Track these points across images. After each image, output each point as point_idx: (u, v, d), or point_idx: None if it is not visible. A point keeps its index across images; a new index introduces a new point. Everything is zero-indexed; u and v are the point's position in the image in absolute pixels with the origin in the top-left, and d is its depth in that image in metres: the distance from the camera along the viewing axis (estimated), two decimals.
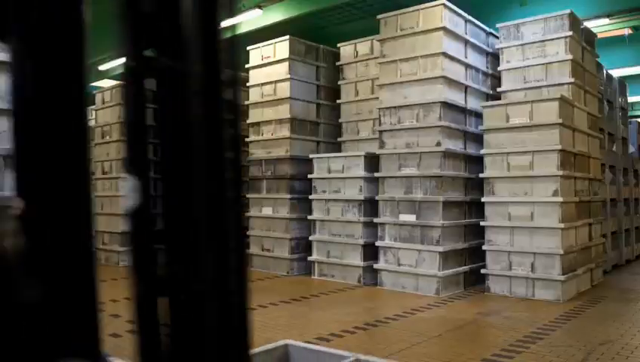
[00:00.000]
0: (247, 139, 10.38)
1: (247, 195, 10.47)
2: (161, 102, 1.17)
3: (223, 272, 1.15)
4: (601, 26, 10.93)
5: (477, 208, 8.13)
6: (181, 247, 1.13)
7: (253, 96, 10.16)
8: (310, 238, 8.97)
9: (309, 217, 9.00)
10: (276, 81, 9.56)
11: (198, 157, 1.14)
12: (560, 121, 7.06)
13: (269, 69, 9.68)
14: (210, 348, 1.13)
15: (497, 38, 8.63)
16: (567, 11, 7.92)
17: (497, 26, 8.57)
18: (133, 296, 1.16)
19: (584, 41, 8.50)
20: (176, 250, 1.13)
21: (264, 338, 5.15)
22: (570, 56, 7.81)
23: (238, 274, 1.19)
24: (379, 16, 8.36)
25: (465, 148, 8.13)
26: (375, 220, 8.12)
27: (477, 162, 8.18)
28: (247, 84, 10.37)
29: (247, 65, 10.21)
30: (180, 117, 1.15)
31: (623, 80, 12.38)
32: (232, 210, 1.23)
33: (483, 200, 7.59)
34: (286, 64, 9.47)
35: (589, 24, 9.75)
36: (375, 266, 8.05)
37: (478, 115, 8.34)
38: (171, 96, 1.16)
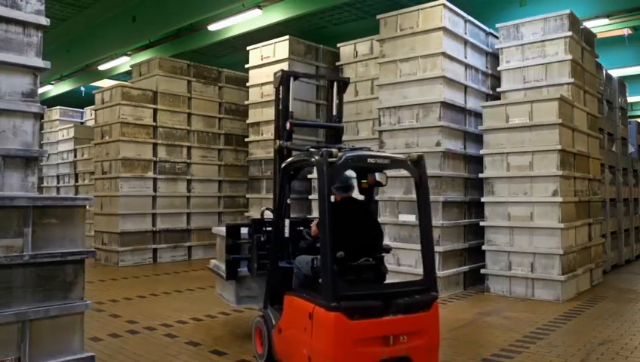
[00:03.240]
0: (247, 139, 10.39)
1: (247, 195, 10.48)
2: None
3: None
4: (600, 26, 10.92)
5: (477, 208, 8.13)
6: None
7: (253, 96, 10.17)
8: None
9: (309, 217, 8.99)
10: None
11: None
12: (559, 121, 7.06)
13: (269, 68, 9.66)
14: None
15: (497, 38, 8.63)
16: (567, 11, 7.92)
17: (497, 26, 8.57)
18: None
19: (584, 41, 8.50)
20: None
21: None
22: (569, 56, 7.81)
23: None
24: (379, 16, 8.36)
25: (465, 148, 8.13)
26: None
27: (477, 162, 8.18)
28: (247, 84, 10.39)
29: (247, 65, 10.22)
30: None
31: (622, 80, 12.39)
32: None
33: (483, 200, 7.59)
34: (286, 64, 9.47)
35: (588, 24, 9.74)
36: None
37: (478, 115, 8.34)
38: None
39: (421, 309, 3.66)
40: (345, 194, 4.16)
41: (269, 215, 4.88)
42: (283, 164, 4.42)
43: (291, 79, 5.08)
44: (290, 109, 4.99)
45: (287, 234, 4.47)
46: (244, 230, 5.04)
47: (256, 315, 4.65)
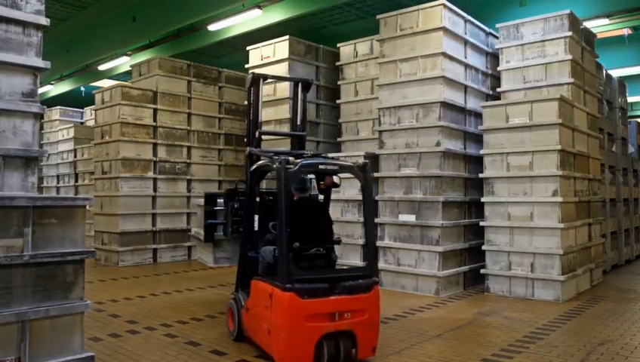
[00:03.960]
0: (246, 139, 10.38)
1: None
2: None
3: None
4: (600, 26, 10.93)
5: (477, 208, 8.13)
6: None
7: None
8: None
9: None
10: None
11: None
12: (559, 121, 7.06)
13: (269, 68, 9.67)
14: None
15: (497, 38, 8.63)
16: (567, 11, 7.92)
17: (497, 26, 8.56)
18: None
19: (584, 41, 8.50)
20: None
21: None
22: (569, 57, 7.81)
23: None
24: (378, 16, 8.36)
25: (464, 148, 8.13)
26: (375, 220, 8.12)
27: (477, 162, 8.18)
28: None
29: (247, 65, 10.22)
30: None
31: (622, 80, 12.39)
32: None
33: (483, 200, 7.59)
34: (286, 64, 9.48)
35: (588, 24, 9.74)
36: None
37: (478, 115, 8.34)
38: None
39: (362, 291, 4.34)
40: (302, 194, 4.78)
41: (241, 186, 5.51)
42: (251, 168, 5.11)
43: (261, 81, 5.47)
44: (260, 113, 5.47)
45: (256, 228, 5.03)
46: (220, 199, 5.61)
47: (229, 298, 5.29)
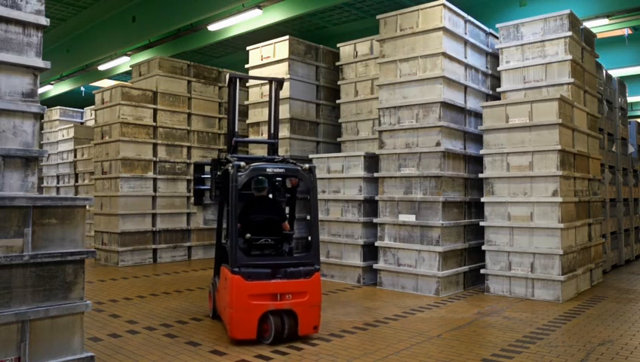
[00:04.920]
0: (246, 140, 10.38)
1: None
2: None
3: None
4: (600, 26, 10.93)
5: (477, 208, 8.14)
6: None
7: (253, 96, 10.17)
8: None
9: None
10: None
11: None
12: (559, 121, 7.06)
13: (269, 68, 9.67)
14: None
15: (497, 38, 8.63)
16: (567, 11, 7.92)
17: (497, 26, 8.56)
18: None
19: (584, 41, 8.50)
20: None
21: None
22: (569, 57, 7.81)
23: None
24: (378, 16, 8.36)
25: (464, 148, 8.13)
26: (375, 220, 8.12)
27: (477, 162, 8.19)
28: (247, 84, 10.39)
29: (246, 66, 10.22)
30: None
31: (622, 80, 12.39)
32: None
33: (483, 200, 7.59)
34: (286, 64, 9.48)
35: (588, 24, 9.75)
36: (375, 266, 8.05)
37: (478, 115, 8.34)
38: None
39: (303, 277, 5.07)
40: (259, 193, 5.63)
41: (223, 155, 6.42)
42: (219, 173, 5.86)
43: (237, 81, 5.99)
44: (236, 119, 6.00)
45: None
46: (207, 168, 6.28)
47: (210, 283, 6.03)
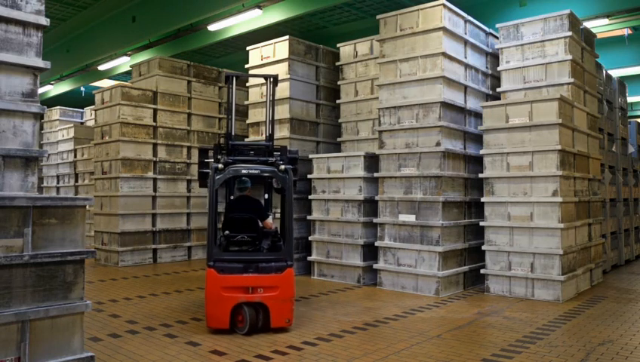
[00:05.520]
0: (246, 140, 10.39)
1: None
2: None
3: None
4: (600, 26, 10.93)
5: (477, 208, 8.14)
6: None
7: (253, 96, 10.17)
8: (310, 238, 8.97)
9: (309, 217, 9.00)
10: None
11: None
12: (559, 121, 7.06)
13: (269, 69, 9.67)
14: None
15: (497, 38, 8.63)
16: (567, 11, 7.92)
17: (497, 26, 8.56)
18: None
19: (584, 41, 8.50)
20: None
21: (263, 339, 5.16)
22: (569, 57, 7.81)
23: None
24: (378, 16, 8.36)
25: (464, 148, 8.13)
26: (375, 220, 8.12)
27: (477, 162, 8.19)
28: (247, 84, 10.39)
29: (246, 66, 10.21)
30: None
31: (622, 80, 12.39)
32: None
33: (483, 200, 7.59)
34: (286, 64, 9.48)
35: (588, 24, 9.74)
36: (375, 266, 8.05)
37: (478, 115, 8.34)
38: None
39: (274, 272, 5.34)
40: (241, 193, 6.09)
41: (222, 141, 6.66)
42: (210, 173, 5.99)
43: (234, 80, 6.20)
44: (234, 122, 6.20)
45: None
46: (210, 153, 6.62)
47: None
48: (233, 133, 6.12)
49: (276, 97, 9.56)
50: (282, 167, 5.62)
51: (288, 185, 5.62)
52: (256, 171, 5.61)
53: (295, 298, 5.51)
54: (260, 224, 5.81)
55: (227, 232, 5.60)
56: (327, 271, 8.71)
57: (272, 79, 6.31)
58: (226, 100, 6.23)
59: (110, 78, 17.62)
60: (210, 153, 6.58)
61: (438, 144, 7.58)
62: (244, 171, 5.57)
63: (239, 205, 5.92)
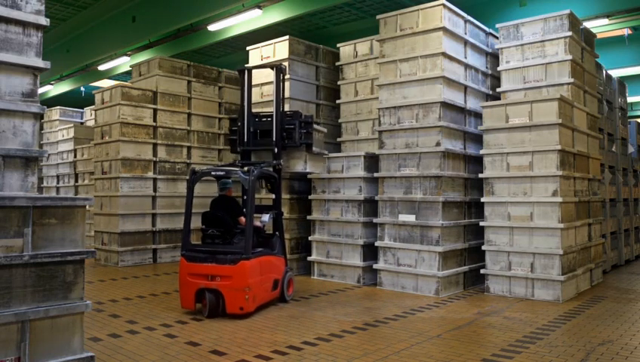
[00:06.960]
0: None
1: None
2: None
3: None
4: (600, 26, 10.93)
5: (477, 208, 8.14)
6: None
7: (253, 96, 10.11)
8: (310, 238, 8.97)
9: (309, 217, 9.00)
10: None
11: None
12: (559, 121, 7.06)
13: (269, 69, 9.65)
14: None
15: (497, 38, 8.63)
16: (567, 11, 7.92)
17: (497, 26, 8.56)
18: None
19: (584, 41, 8.50)
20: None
21: (264, 339, 5.16)
22: (569, 57, 7.81)
23: None
24: (378, 16, 8.36)
25: (464, 149, 8.13)
26: (375, 220, 8.12)
27: (477, 162, 8.19)
28: None
29: (246, 66, 10.20)
30: None
31: (622, 80, 12.39)
32: None
33: (482, 200, 7.59)
34: (286, 64, 9.47)
35: (588, 24, 9.74)
36: (375, 266, 8.05)
37: (478, 115, 8.34)
38: None
39: (229, 263, 5.97)
40: (221, 193, 6.86)
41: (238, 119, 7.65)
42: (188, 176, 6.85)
43: (245, 75, 7.17)
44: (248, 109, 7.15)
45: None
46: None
47: None
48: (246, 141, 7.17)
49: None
50: (245, 168, 6.40)
51: (248, 185, 6.19)
52: (221, 172, 6.50)
53: (249, 288, 5.93)
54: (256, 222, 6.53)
55: (203, 226, 6.47)
56: (327, 271, 8.71)
57: (277, 69, 7.31)
58: (241, 98, 7.37)
59: (110, 78, 17.62)
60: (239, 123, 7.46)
61: (438, 144, 7.58)
62: (212, 173, 6.47)
63: (216, 204, 6.73)
